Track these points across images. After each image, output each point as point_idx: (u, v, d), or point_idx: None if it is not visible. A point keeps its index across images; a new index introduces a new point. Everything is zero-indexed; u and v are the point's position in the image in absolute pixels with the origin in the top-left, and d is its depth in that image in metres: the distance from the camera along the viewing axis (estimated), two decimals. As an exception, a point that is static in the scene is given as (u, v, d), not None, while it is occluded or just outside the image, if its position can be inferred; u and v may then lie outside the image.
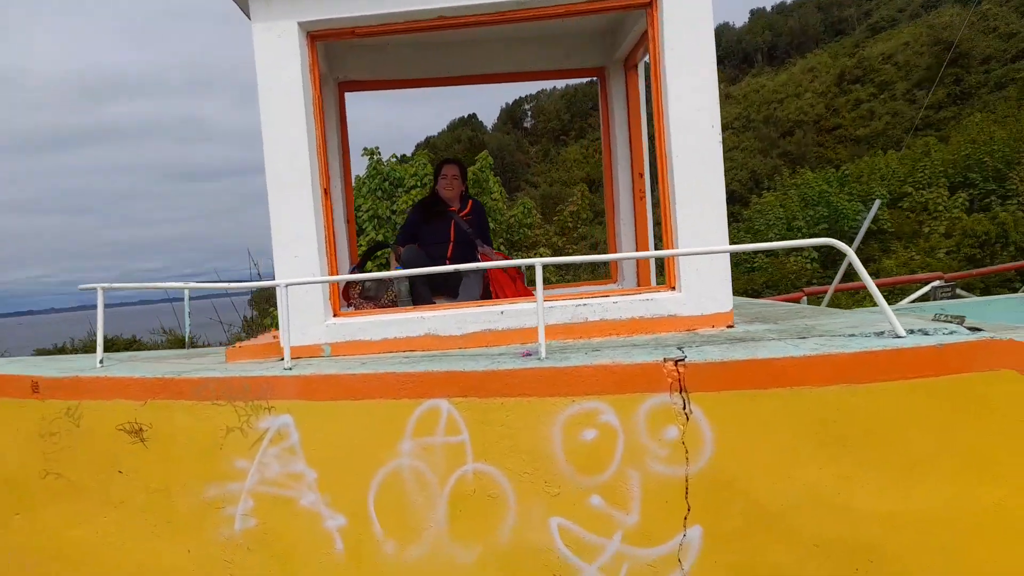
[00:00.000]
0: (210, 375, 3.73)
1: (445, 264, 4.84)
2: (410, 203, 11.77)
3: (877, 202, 5.53)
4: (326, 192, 4.10)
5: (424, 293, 4.88)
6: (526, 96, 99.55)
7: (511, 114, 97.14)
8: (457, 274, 5.00)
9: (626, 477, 3.20)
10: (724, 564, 3.17)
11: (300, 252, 4.00)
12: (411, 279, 4.99)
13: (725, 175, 3.87)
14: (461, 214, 5.33)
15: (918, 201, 21.04)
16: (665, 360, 3.15)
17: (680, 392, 3.11)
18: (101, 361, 4.15)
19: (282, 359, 4.09)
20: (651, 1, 3.90)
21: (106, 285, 4.21)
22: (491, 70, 5.52)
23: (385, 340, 3.98)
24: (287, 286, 3.71)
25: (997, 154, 19.84)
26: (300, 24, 3.94)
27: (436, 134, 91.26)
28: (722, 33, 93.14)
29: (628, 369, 3.16)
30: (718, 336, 3.66)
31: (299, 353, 4.01)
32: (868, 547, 3.09)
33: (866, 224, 5.26)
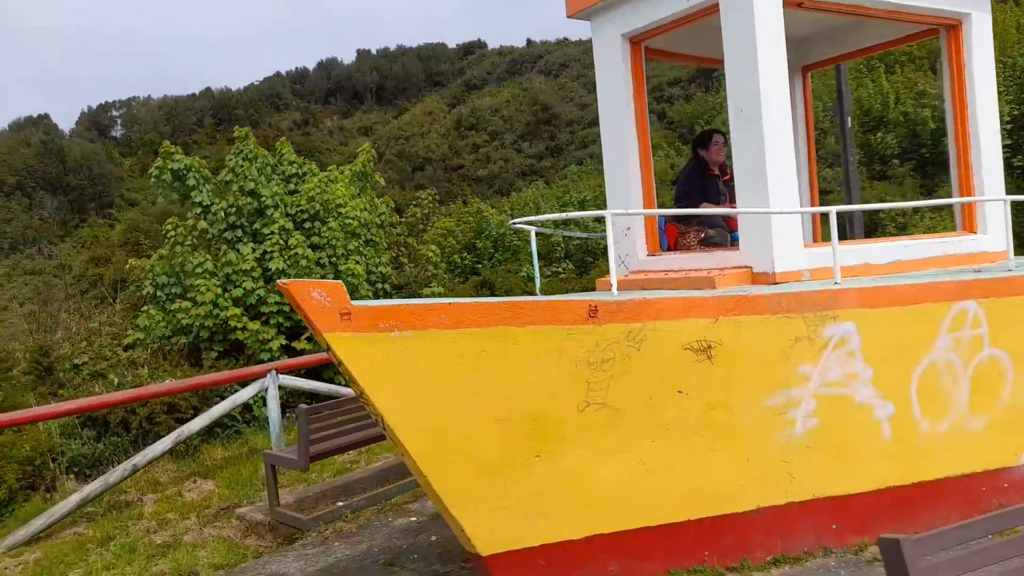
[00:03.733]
0: (780, 291, 4.06)
1: (731, 221, 5.52)
2: (315, 189, 10.90)
3: None
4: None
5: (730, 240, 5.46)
6: (114, 102, 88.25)
7: (95, 120, 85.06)
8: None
9: None
10: None
11: (785, 180, 4.49)
12: (716, 230, 5.54)
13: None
14: (724, 178, 5.89)
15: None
16: None
17: None
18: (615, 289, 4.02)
19: (750, 285, 4.49)
20: None
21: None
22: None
23: (843, 266, 4.67)
24: (837, 212, 4.24)
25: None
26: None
27: (-7, 134, 75.67)
28: (332, 68, 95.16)
29: None
30: None
31: (781, 278, 4.47)
32: None
33: None
